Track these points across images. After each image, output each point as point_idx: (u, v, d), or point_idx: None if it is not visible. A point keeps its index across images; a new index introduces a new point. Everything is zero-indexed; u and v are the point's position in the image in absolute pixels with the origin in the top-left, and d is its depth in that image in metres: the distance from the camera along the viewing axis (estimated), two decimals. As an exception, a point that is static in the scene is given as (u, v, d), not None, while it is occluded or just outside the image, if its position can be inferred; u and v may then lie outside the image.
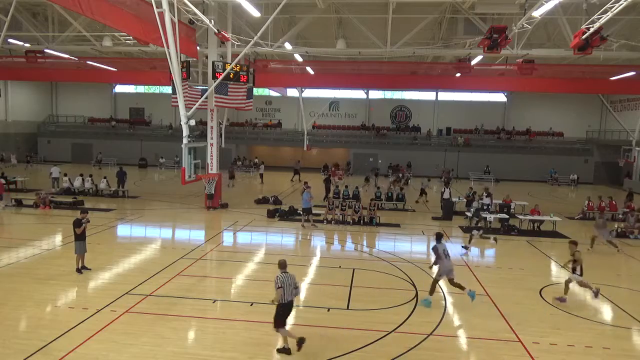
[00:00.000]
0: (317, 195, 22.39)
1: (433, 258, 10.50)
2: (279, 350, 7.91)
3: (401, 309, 10.01)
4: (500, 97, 43.93)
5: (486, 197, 21.55)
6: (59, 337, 8.17)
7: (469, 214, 19.78)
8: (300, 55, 25.34)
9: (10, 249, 13.91)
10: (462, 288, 10.22)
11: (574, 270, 10.78)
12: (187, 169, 17.97)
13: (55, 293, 10.39)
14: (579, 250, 10.81)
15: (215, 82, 19.25)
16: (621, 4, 13.87)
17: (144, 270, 12.19)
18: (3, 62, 29.29)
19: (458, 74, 26.95)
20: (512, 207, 21.63)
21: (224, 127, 30.19)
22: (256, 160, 40.47)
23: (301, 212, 19.60)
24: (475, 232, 16.48)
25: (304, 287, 11.46)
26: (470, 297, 10.10)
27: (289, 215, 20.53)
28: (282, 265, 8.15)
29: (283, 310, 7.93)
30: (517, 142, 42.14)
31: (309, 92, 43.04)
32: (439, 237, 10.55)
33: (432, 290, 10.36)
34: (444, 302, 10.62)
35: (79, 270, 11.76)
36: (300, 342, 7.79)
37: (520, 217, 19.48)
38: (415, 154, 41.42)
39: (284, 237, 17.54)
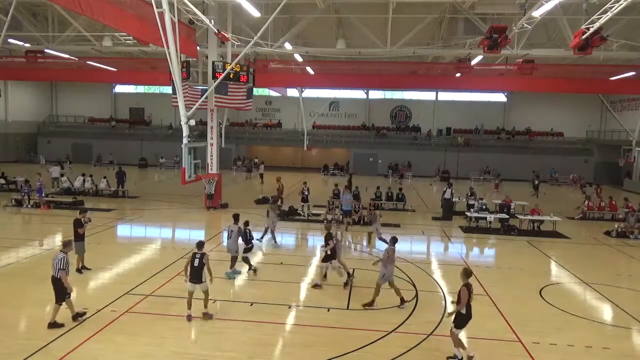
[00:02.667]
0: (318, 195, 22.35)
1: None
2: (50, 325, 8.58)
3: (401, 309, 10.00)
4: (500, 97, 43.90)
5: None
6: (59, 337, 8.18)
7: (469, 214, 19.81)
8: (300, 55, 25.31)
9: (10, 249, 13.89)
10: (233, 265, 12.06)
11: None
12: (187, 169, 17.95)
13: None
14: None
15: (215, 82, 19.23)
16: (621, 4, 13.87)
17: (144, 270, 12.19)
18: (3, 62, 29.24)
19: (458, 74, 26.93)
20: (512, 207, 21.62)
21: (224, 127, 30.17)
22: (256, 160, 40.45)
23: (302, 213, 19.60)
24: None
25: (304, 287, 11.46)
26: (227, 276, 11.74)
27: (289, 215, 20.51)
28: (64, 244, 9.14)
29: None
30: (517, 142, 42.12)
31: (309, 92, 43.00)
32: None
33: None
34: (443, 302, 10.63)
35: (79, 270, 11.76)
36: (77, 315, 8.84)
37: (520, 217, 19.49)
38: (415, 154, 41.40)
39: (284, 237, 17.49)
